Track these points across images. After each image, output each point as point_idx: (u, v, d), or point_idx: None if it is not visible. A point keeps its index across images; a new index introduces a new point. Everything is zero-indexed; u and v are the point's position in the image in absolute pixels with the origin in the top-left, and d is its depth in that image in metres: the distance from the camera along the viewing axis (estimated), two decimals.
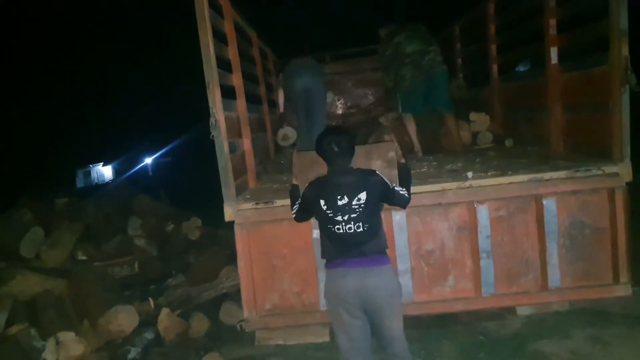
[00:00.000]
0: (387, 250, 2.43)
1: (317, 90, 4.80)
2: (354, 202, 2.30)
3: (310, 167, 2.76)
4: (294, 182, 2.83)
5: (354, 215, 2.30)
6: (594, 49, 3.51)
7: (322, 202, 2.34)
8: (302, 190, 2.61)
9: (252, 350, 3.40)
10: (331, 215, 2.32)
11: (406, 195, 2.51)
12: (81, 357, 3.32)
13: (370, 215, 2.33)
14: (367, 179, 2.37)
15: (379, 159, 2.83)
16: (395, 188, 2.47)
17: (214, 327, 3.92)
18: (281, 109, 5.32)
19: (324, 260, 2.46)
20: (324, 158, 2.45)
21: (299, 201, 2.59)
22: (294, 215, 2.65)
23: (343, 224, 2.30)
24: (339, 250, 2.35)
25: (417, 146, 4.81)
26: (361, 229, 2.30)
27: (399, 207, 2.69)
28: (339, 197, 2.31)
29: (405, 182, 2.66)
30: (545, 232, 3.12)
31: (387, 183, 2.41)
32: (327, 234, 2.39)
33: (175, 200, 7.29)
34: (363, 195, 2.31)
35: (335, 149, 2.36)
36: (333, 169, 2.42)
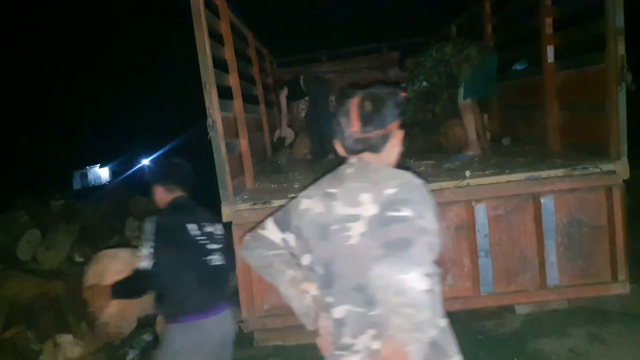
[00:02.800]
0: None
1: None
2: None
3: None
4: None
5: None
6: (590, 47, 3.51)
7: None
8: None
9: (251, 351, 3.40)
10: None
11: None
12: (79, 359, 3.30)
13: None
14: None
15: None
16: None
17: None
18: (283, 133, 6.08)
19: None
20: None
21: None
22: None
23: None
24: None
25: (484, 138, 4.52)
26: None
27: None
28: None
29: None
30: (543, 231, 3.13)
31: None
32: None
33: None
34: None
35: None
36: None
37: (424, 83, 4.58)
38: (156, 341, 3.76)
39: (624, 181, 3.11)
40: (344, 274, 1.36)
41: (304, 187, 1.57)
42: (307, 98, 6.37)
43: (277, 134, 6.17)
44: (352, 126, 1.39)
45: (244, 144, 3.96)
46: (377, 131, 1.38)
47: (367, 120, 1.37)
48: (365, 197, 1.33)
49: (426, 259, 1.22)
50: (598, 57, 3.27)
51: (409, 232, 1.24)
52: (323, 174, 1.57)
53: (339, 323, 1.37)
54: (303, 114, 6.80)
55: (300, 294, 1.45)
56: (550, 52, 3.95)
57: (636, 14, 3.64)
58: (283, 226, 1.50)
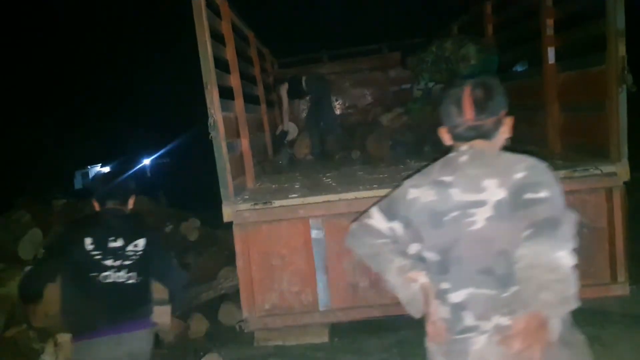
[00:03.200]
0: None
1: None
2: None
3: None
4: None
5: None
6: (591, 49, 3.51)
7: None
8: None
9: (251, 350, 3.40)
10: None
11: None
12: None
13: None
14: None
15: None
16: None
17: (213, 328, 3.92)
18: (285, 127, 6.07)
19: None
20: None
21: None
22: None
23: None
24: None
25: None
26: None
27: None
28: None
29: None
30: None
31: None
32: None
33: (173, 201, 7.29)
34: None
35: None
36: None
37: (430, 83, 4.53)
38: (156, 340, 3.77)
39: (624, 183, 3.11)
40: (466, 259, 1.40)
41: (409, 177, 1.56)
42: (307, 98, 6.39)
43: (279, 128, 6.18)
44: (465, 114, 1.43)
45: (245, 143, 3.97)
46: (490, 118, 1.44)
47: (481, 108, 1.43)
48: (490, 183, 1.38)
49: (572, 236, 1.32)
50: (599, 58, 3.27)
51: (554, 212, 1.32)
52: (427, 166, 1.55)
53: (458, 307, 1.41)
54: (304, 114, 6.81)
55: (408, 283, 1.47)
56: (550, 53, 3.95)
57: (637, 14, 3.64)
58: (390, 215, 1.53)
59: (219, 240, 5.37)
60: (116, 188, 2.28)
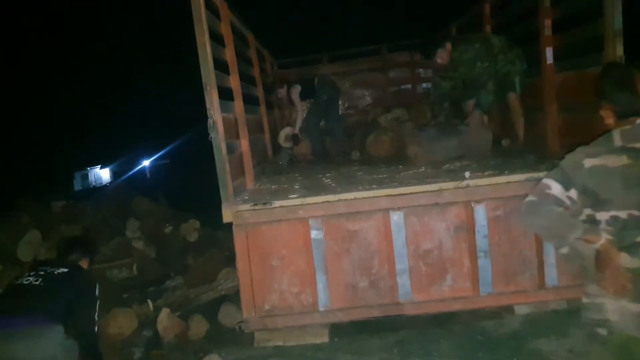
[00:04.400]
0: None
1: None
2: None
3: None
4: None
5: None
6: (589, 49, 3.53)
7: None
8: None
9: (252, 351, 3.40)
10: None
11: None
12: None
13: None
14: None
15: None
16: None
17: (213, 329, 3.92)
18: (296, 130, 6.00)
19: None
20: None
21: None
22: None
23: None
24: None
25: (521, 134, 4.60)
26: None
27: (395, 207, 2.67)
28: None
29: None
30: None
31: None
32: None
33: (173, 202, 7.29)
34: None
35: None
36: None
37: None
38: (156, 341, 3.78)
39: None
40: None
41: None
42: (308, 99, 6.38)
43: (288, 130, 6.15)
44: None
45: (244, 144, 3.98)
46: None
47: None
48: None
49: None
50: (596, 58, 3.28)
51: None
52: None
53: None
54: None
55: (589, 244, 1.67)
56: (549, 53, 3.96)
57: (634, 15, 3.66)
58: (566, 184, 1.73)
59: (218, 241, 5.38)
60: (74, 252, 3.03)
